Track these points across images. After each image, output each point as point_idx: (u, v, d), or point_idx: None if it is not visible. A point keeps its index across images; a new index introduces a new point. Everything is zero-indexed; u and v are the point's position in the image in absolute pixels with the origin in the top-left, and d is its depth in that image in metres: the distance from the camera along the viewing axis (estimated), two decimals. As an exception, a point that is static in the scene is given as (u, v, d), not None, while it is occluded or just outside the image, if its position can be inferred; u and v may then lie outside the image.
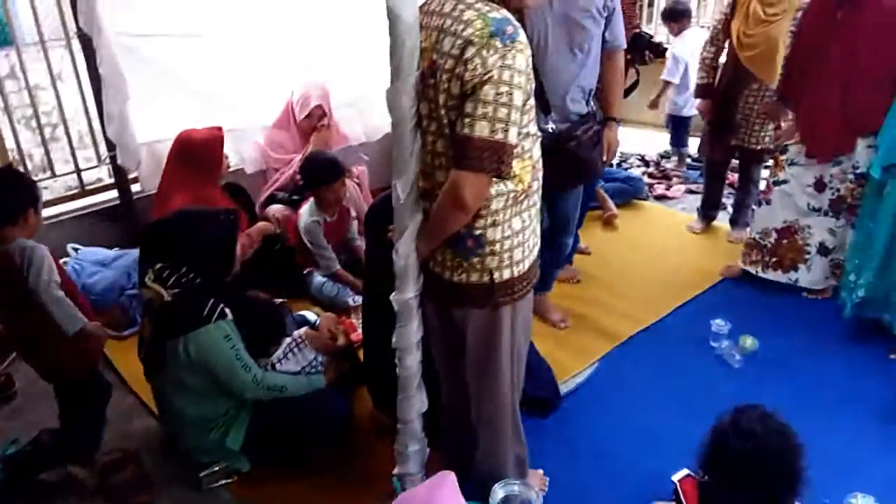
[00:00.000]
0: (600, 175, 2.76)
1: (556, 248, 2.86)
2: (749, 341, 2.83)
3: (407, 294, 1.69)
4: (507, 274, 1.62)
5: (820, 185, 2.98)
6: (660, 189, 4.53)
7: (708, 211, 3.95)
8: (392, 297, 1.71)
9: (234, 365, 2.05)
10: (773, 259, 3.19)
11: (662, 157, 5.08)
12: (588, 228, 3.82)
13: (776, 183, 3.12)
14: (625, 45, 2.70)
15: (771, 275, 3.21)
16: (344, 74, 3.81)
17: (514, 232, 1.60)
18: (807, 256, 3.11)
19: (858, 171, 2.85)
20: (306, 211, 3.21)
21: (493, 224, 1.56)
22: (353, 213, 3.45)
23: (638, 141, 5.27)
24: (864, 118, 2.74)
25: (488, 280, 1.61)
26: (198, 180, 2.93)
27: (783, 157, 3.13)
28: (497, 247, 1.59)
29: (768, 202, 3.18)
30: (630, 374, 2.74)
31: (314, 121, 3.59)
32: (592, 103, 2.60)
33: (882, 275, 2.71)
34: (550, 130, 2.40)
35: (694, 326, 2.98)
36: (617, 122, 2.76)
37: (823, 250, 3.07)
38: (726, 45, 3.52)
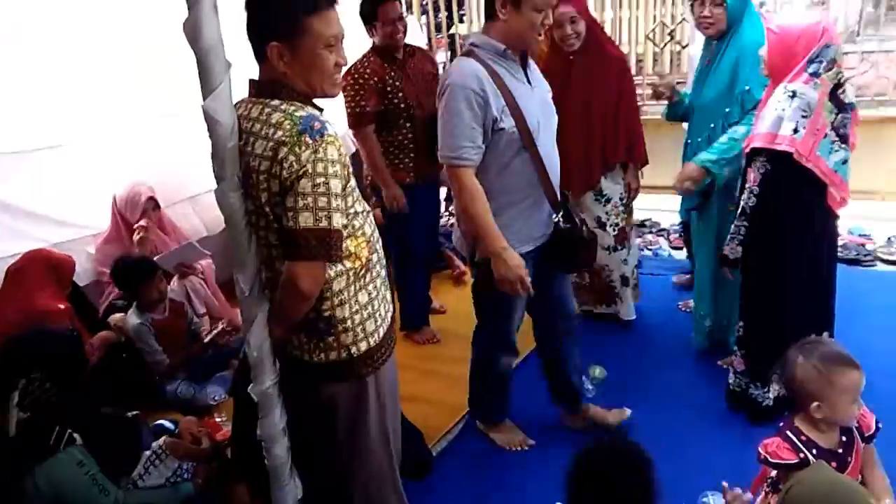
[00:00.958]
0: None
1: (571, 333, 2.68)
2: (598, 370, 3.08)
3: (265, 384, 1.71)
4: (363, 346, 1.69)
5: (602, 224, 3.27)
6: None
7: None
8: (250, 388, 1.72)
9: (91, 492, 1.94)
10: (597, 295, 3.50)
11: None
12: (440, 287, 3.98)
13: None
14: None
15: (603, 309, 3.51)
16: (174, 170, 3.76)
17: (362, 306, 1.68)
18: (616, 291, 3.43)
19: (625, 201, 3.28)
20: (132, 314, 3.08)
21: (340, 303, 1.64)
22: (202, 309, 3.37)
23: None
24: (606, 153, 3.16)
25: (346, 356, 1.67)
26: (43, 293, 2.81)
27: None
28: (349, 323, 1.66)
29: None
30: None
31: (150, 215, 3.48)
32: None
33: (717, 302, 3.06)
34: (561, 224, 2.32)
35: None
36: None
37: (625, 281, 3.41)
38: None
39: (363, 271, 1.68)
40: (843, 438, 1.79)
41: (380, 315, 1.75)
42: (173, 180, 3.75)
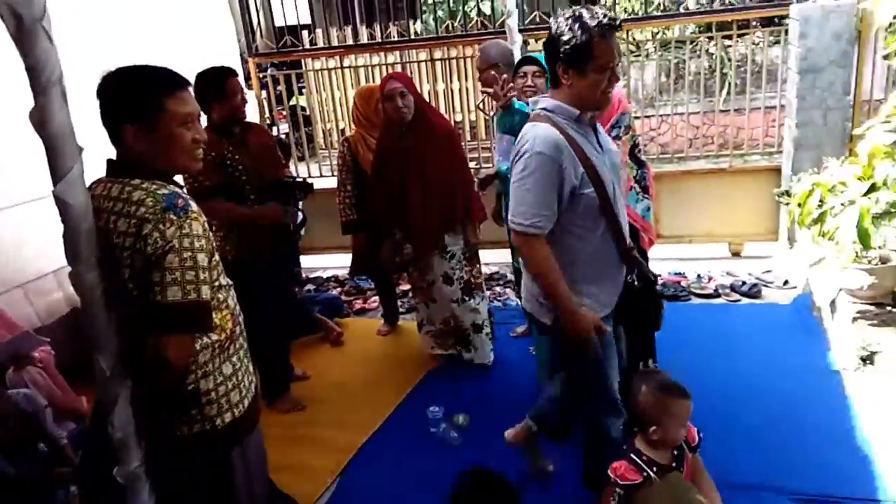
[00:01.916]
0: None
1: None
2: (462, 418, 3.23)
3: (132, 464, 1.68)
4: (228, 417, 1.71)
5: (448, 280, 3.53)
6: (358, 304, 4.92)
7: (389, 314, 4.44)
8: (115, 471, 1.68)
9: None
10: (452, 340, 3.69)
11: (351, 274, 5.51)
12: (300, 354, 3.99)
13: (429, 284, 3.61)
14: None
15: (465, 354, 3.69)
16: (4, 258, 3.53)
17: (227, 377, 1.71)
18: (471, 338, 3.64)
19: (467, 255, 3.53)
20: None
21: (205, 375, 1.66)
22: (44, 402, 3.13)
23: (332, 263, 5.67)
24: (445, 215, 3.43)
25: (211, 428, 1.68)
26: None
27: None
28: (213, 395, 1.68)
29: (434, 300, 3.62)
30: (369, 480, 2.92)
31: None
32: None
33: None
34: (636, 285, 2.28)
35: (414, 418, 3.30)
36: None
37: (478, 329, 3.63)
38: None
39: (228, 343, 1.72)
40: (675, 453, 2.05)
41: (244, 386, 1.78)
42: (5, 268, 3.51)
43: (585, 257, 2.15)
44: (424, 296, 3.69)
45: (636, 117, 6.54)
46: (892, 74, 4.73)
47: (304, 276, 5.18)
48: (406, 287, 4.81)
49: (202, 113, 3.10)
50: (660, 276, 4.70)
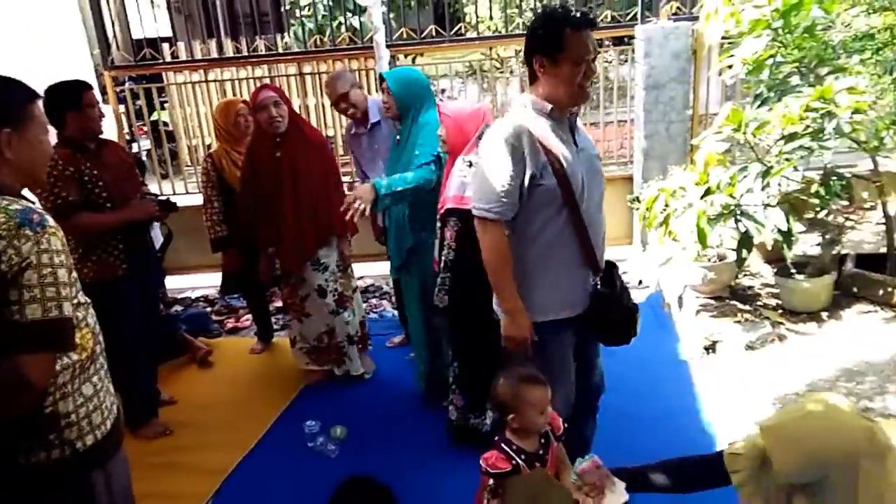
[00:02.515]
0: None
1: (595, 410, 2.60)
2: (339, 430, 3.22)
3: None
4: (90, 440, 1.62)
5: (322, 292, 3.52)
6: (230, 323, 4.78)
7: (262, 332, 4.36)
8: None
9: None
10: (326, 356, 3.68)
11: (222, 293, 5.33)
12: (169, 378, 3.83)
13: (302, 299, 3.59)
14: None
15: (337, 370, 3.69)
16: None
17: (88, 398, 1.62)
18: (345, 350, 3.65)
19: (341, 267, 3.55)
20: None
21: (63, 397, 1.57)
22: None
23: (200, 283, 5.47)
24: (319, 227, 3.42)
25: (71, 452, 1.59)
26: None
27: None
28: (73, 417, 1.59)
29: (307, 315, 3.60)
30: (245, 501, 2.85)
31: None
32: None
33: (431, 350, 3.37)
34: (601, 290, 2.22)
35: (291, 434, 3.25)
36: None
37: (351, 340, 3.64)
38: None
39: (88, 363, 1.64)
40: (542, 441, 2.16)
41: (106, 407, 1.70)
42: None
43: (541, 250, 2.14)
44: (298, 311, 3.64)
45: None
46: (725, 90, 5.25)
47: (169, 297, 4.96)
48: (279, 304, 4.73)
49: (54, 128, 2.95)
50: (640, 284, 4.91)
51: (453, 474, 2.83)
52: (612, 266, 2.28)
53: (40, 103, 1.63)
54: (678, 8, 4.97)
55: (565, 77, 2.05)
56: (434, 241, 2.97)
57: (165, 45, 6.22)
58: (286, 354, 4.08)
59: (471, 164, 2.74)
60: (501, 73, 8.88)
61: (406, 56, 8.18)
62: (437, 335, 3.24)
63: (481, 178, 2.12)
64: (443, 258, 2.84)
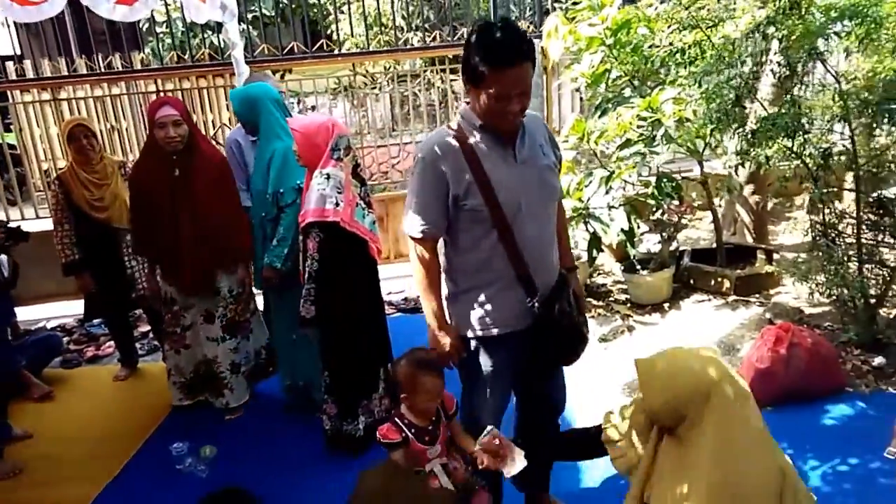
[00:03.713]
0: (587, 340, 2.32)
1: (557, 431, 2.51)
2: (208, 450, 3.16)
3: None
4: None
5: (210, 317, 3.36)
6: (90, 352, 4.55)
7: (126, 358, 4.17)
8: None
9: None
10: (201, 389, 3.53)
11: (82, 321, 5.06)
12: (18, 413, 3.61)
13: (185, 329, 3.44)
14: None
15: (217, 402, 3.51)
16: None
17: None
18: (226, 381, 3.44)
19: (234, 293, 3.37)
20: None
21: None
22: None
23: (59, 312, 5.16)
24: (218, 248, 3.25)
25: None
26: None
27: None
28: None
29: (186, 347, 3.44)
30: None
31: None
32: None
33: (296, 365, 3.39)
34: (537, 311, 2.08)
35: (159, 459, 3.16)
36: (576, 269, 2.44)
37: (235, 369, 3.47)
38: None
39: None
40: (434, 418, 2.27)
41: None
42: None
43: (473, 267, 2.09)
44: (177, 342, 3.45)
45: (380, 146, 6.96)
46: (579, 102, 5.64)
47: (22, 329, 4.64)
48: (145, 329, 4.57)
49: None
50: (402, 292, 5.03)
51: (330, 480, 2.87)
52: (559, 287, 2.16)
53: None
54: (530, 25, 5.29)
55: (490, 108, 1.92)
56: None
57: (10, 63, 5.85)
58: (153, 377, 3.98)
59: (328, 177, 2.82)
60: (372, 89, 9.01)
61: (274, 73, 8.15)
62: (302, 347, 3.25)
63: (408, 196, 2.08)
64: (307, 269, 2.89)
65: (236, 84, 4.62)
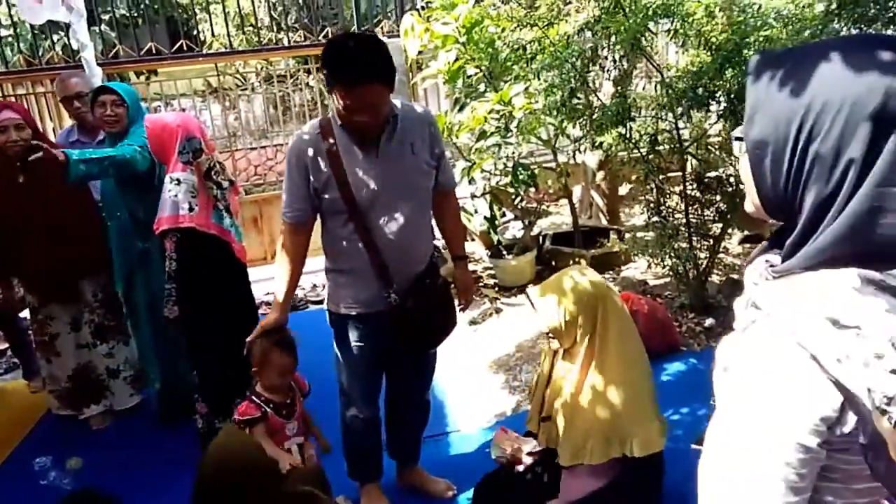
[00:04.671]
0: (455, 324, 2.48)
1: (425, 408, 2.69)
2: (74, 461, 3.09)
3: None
4: None
5: (76, 325, 3.32)
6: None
7: None
8: None
9: None
10: (81, 397, 3.41)
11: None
12: None
13: (52, 337, 3.33)
14: (456, 185, 2.66)
15: (91, 410, 3.42)
16: None
17: None
18: (105, 384, 3.42)
19: (100, 297, 3.34)
20: None
21: None
22: None
23: None
24: (79, 255, 3.20)
25: None
26: None
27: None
28: None
29: (57, 355, 3.33)
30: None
31: None
32: (434, 252, 2.45)
33: (165, 367, 3.35)
34: (393, 301, 2.23)
35: (22, 477, 3.06)
36: (466, 259, 2.63)
37: (114, 374, 3.44)
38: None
39: None
40: (290, 394, 2.39)
41: None
42: None
43: (335, 253, 2.30)
44: (46, 351, 3.34)
45: (252, 148, 6.88)
46: (441, 98, 5.84)
47: None
48: (2, 346, 4.33)
49: None
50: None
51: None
52: (421, 278, 2.31)
53: None
54: (392, 27, 5.45)
55: (341, 114, 2.08)
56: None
57: None
58: (15, 396, 3.86)
59: (179, 182, 2.81)
60: (243, 90, 8.87)
61: (139, 75, 7.84)
62: (170, 348, 3.24)
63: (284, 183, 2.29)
64: (166, 269, 2.88)
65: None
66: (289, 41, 5.97)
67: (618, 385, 2.11)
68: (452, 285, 2.58)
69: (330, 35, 5.62)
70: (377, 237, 2.19)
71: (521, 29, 3.49)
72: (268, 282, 4.83)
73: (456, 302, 2.55)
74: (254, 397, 2.33)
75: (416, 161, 2.22)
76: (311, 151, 2.14)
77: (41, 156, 2.77)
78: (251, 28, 7.91)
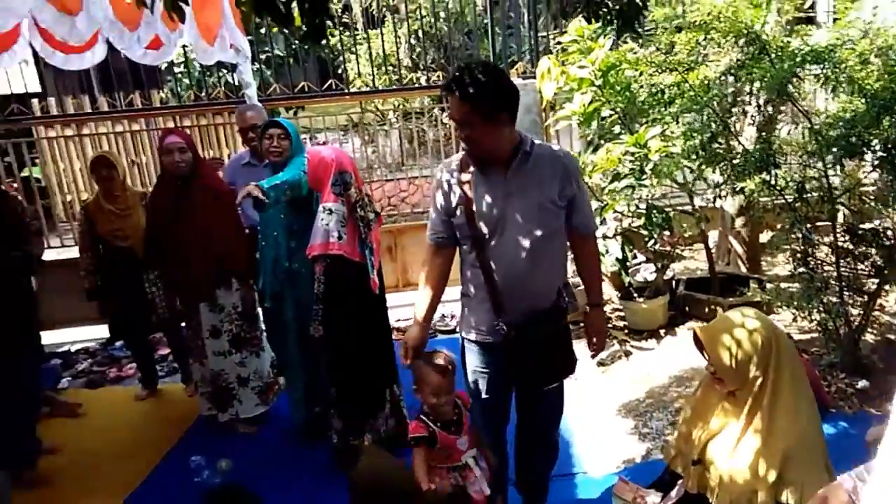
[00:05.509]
0: (572, 370, 2.52)
1: (553, 447, 2.69)
2: (224, 463, 3.34)
3: None
4: None
5: (216, 333, 3.61)
6: (113, 373, 4.77)
7: (147, 379, 4.40)
8: None
9: None
10: (215, 402, 3.72)
11: (105, 344, 5.29)
12: (49, 428, 3.85)
13: (203, 342, 3.66)
14: (596, 229, 2.64)
15: (225, 417, 3.72)
16: None
17: None
18: (234, 392, 3.68)
19: (239, 310, 3.64)
20: None
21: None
22: None
23: (76, 337, 5.40)
24: (217, 268, 3.54)
25: None
26: None
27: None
28: None
29: (206, 358, 3.66)
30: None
31: None
32: (566, 296, 2.42)
33: (309, 384, 3.55)
34: (501, 332, 2.31)
35: (178, 472, 3.36)
36: (601, 306, 2.58)
37: (243, 382, 3.69)
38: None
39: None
40: (457, 411, 2.41)
41: None
42: None
43: (464, 279, 2.39)
44: (199, 354, 3.71)
45: (388, 180, 7.20)
46: (574, 138, 5.87)
47: (47, 351, 4.86)
48: (165, 351, 4.78)
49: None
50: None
51: (335, 492, 3.02)
52: (541, 318, 2.32)
53: None
54: (527, 67, 5.58)
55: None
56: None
57: (35, 101, 6.18)
58: (173, 398, 4.23)
59: (331, 212, 3.04)
60: (381, 125, 9.34)
61: (288, 110, 8.48)
62: (314, 365, 3.44)
63: None
64: (315, 291, 3.11)
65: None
66: (428, 80, 6.25)
67: (788, 432, 1.99)
68: (582, 327, 2.59)
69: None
70: (494, 266, 2.26)
71: (660, 73, 3.49)
72: (400, 308, 5.06)
73: (586, 346, 2.55)
74: (422, 416, 2.37)
75: (542, 198, 2.25)
76: (449, 179, 2.31)
77: (251, 197, 3.08)
78: (391, 68, 8.33)
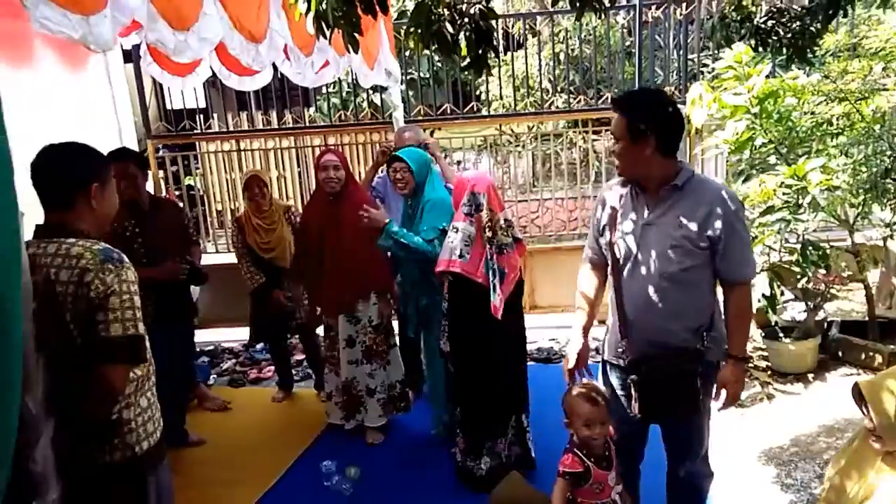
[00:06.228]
0: (696, 412, 2.36)
1: (686, 487, 2.59)
2: (353, 470, 3.47)
3: (51, 496, 1.84)
4: (146, 445, 1.93)
5: (351, 342, 3.75)
6: (253, 374, 5.09)
7: (283, 382, 4.65)
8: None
9: None
10: (345, 411, 3.88)
11: (246, 346, 5.66)
12: (196, 420, 4.15)
13: (339, 352, 3.83)
14: (749, 278, 2.33)
15: (351, 424, 3.88)
16: None
17: (144, 409, 1.94)
18: (362, 400, 3.82)
19: (374, 323, 3.76)
20: None
21: (127, 406, 1.89)
22: None
23: (223, 337, 5.81)
24: (360, 282, 3.68)
25: (131, 455, 1.90)
26: None
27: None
28: (133, 424, 1.90)
29: (339, 367, 3.83)
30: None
31: None
32: (706, 340, 2.26)
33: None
34: (623, 360, 2.33)
35: (309, 474, 3.52)
36: (741, 359, 2.32)
37: (371, 392, 3.80)
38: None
39: (145, 379, 1.96)
40: (606, 445, 2.36)
41: (156, 418, 2.02)
42: None
43: (609, 296, 2.41)
44: (335, 364, 3.89)
45: (520, 201, 7.22)
46: (719, 166, 5.63)
47: (197, 348, 5.27)
48: (300, 357, 5.05)
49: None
50: (536, 342, 5.18)
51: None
52: (660, 354, 2.25)
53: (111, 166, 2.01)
54: (673, 93, 5.41)
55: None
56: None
57: (198, 117, 6.76)
58: (306, 401, 4.44)
59: (457, 230, 3.10)
60: (515, 146, 9.38)
61: (425, 130, 8.74)
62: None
63: None
64: (442, 307, 3.18)
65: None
66: (567, 102, 6.22)
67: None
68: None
69: (605, 98, 5.77)
70: (624, 294, 2.28)
71: (828, 103, 3.27)
72: (527, 330, 5.07)
73: (719, 395, 2.32)
74: (575, 449, 2.32)
75: (678, 234, 2.18)
76: (605, 202, 2.37)
77: (367, 218, 3.28)
78: (529, 90, 8.37)
